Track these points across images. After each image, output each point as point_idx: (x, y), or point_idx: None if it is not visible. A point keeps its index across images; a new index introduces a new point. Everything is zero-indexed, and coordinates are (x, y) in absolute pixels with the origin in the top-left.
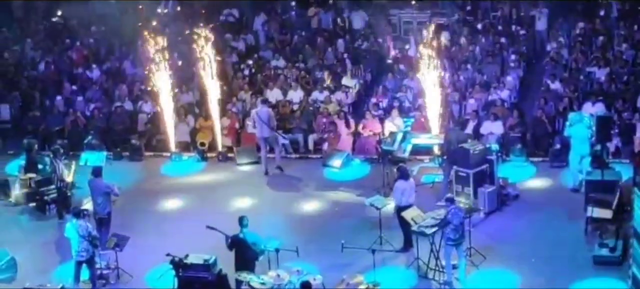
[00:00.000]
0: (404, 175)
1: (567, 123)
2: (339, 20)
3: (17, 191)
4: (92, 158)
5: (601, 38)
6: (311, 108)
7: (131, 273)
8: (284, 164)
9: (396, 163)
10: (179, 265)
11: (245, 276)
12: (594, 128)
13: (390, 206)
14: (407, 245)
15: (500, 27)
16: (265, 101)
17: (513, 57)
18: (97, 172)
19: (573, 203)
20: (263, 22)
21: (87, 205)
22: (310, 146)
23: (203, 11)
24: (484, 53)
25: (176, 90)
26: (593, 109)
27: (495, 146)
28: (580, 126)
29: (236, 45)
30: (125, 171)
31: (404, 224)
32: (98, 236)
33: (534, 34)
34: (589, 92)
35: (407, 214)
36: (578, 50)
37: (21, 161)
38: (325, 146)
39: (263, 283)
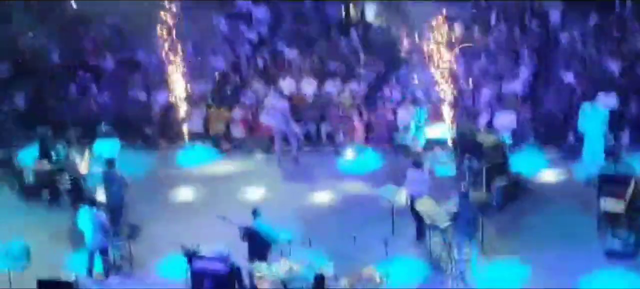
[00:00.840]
0: (416, 164)
1: (581, 116)
2: (351, 11)
3: (30, 180)
4: (106, 147)
5: (616, 32)
6: (324, 99)
7: (144, 262)
8: (298, 155)
9: (409, 154)
10: (191, 256)
11: (258, 265)
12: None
13: (402, 196)
14: (420, 236)
15: (514, 19)
16: (281, 93)
17: (527, 50)
18: (111, 163)
19: (586, 196)
20: (264, 12)
21: (101, 195)
22: (324, 136)
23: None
24: (498, 45)
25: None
26: (607, 102)
27: (508, 139)
28: (595, 121)
29: (249, 36)
30: (139, 160)
31: (417, 215)
32: (110, 227)
33: (548, 26)
34: (603, 86)
35: (421, 206)
36: (592, 43)
37: (35, 150)
38: (339, 136)
39: (275, 273)
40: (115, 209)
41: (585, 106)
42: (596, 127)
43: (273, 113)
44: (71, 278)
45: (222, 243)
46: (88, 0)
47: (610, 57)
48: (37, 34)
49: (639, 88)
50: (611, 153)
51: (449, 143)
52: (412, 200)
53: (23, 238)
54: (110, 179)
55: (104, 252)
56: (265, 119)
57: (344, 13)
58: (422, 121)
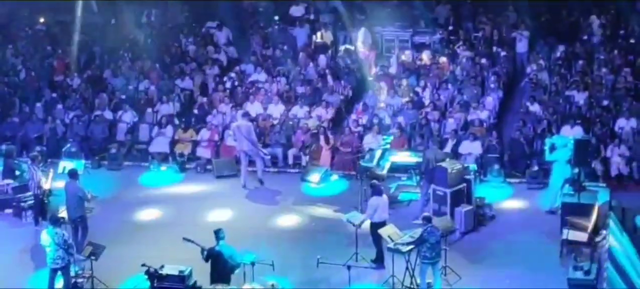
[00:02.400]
0: (377, 192)
1: (546, 147)
2: (320, 35)
3: None
4: (70, 165)
5: (581, 62)
6: (291, 123)
7: (106, 282)
8: (263, 178)
9: (373, 180)
10: (154, 276)
11: (220, 288)
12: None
13: (367, 222)
14: (379, 261)
15: (481, 48)
16: (246, 115)
17: (493, 78)
18: (73, 174)
19: (549, 225)
20: (227, 37)
21: (64, 213)
22: (290, 160)
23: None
24: (465, 73)
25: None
26: (571, 133)
27: (473, 166)
28: (565, 150)
29: (217, 57)
30: (104, 180)
31: (378, 241)
32: (73, 245)
33: (515, 55)
34: (568, 116)
35: (384, 232)
36: (558, 73)
37: None
38: (304, 160)
39: None
40: (76, 222)
41: (552, 136)
42: (562, 157)
43: (239, 135)
44: None
45: (184, 263)
46: (57, 17)
47: (576, 88)
48: (4, 52)
49: (604, 119)
50: (575, 182)
51: (414, 169)
52: (373, 225)
53: None
54: (70, 192)
55: (65, 270)
56: (231, 141)
57: (314, 38)
58: (388, 146)
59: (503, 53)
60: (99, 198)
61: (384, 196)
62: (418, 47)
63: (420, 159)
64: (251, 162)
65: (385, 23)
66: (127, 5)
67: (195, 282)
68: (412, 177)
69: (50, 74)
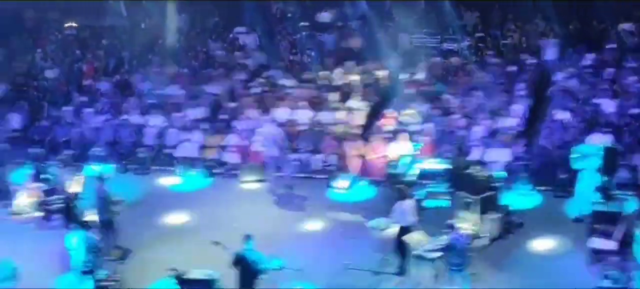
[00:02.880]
0: (403, 196)
1: (574, 155)
2: (348, 41)
3: (23, 200)
4: (99, 169)
5: (610, 70)
6: (318, 129)
7: (133, 286)
8: (291, 184)
9: (400, 186)
10: (181, 280)
11: None
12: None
13: (393, 229)
14: (401, 271)
15: (509, 56)
16: (274, 120)
17: (521, 85)
18: (101, 178)
19: (576, 233)
20: (255, 42)
21: (92, 216)
22: (317, 166)
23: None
24: (493, 80)
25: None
26: (600, 141)
27: (500, 174)
28: (594, 158)
29: (245, 62)
30: (132, 184)
31: (403, 248)
32: (101, 248)
33: (543, 63)
34: (597, 124)
35: (411, 238)
36: (587, 81)
37: (28, 170)
38: (333, 165)
39: None
40: (104, 226)
41: (580, 144)
42: (591, 165)
43: (267, 140)
44: None
45: (212, 268)
46: (87, 21)
47: (605, 96)
48: (33, 56)
49: (633, 127)
50: (604, 190)
51: (442, 176)
52: (402, 230)
53: (13, 259)
54: (99, 195)
55: (93, 273)
56: (258, 146)
57: (342, 44)
58: (416, 153)
59: (531, 61)
60: (126, 202)
61: (411, 200)
62: (446, 54)
63: (448, 166)
64: (279, 168)
65: (413, 30)
66: (155, 9)
67: (221, 287)
68: (440, 184)
69: (79, 78)
